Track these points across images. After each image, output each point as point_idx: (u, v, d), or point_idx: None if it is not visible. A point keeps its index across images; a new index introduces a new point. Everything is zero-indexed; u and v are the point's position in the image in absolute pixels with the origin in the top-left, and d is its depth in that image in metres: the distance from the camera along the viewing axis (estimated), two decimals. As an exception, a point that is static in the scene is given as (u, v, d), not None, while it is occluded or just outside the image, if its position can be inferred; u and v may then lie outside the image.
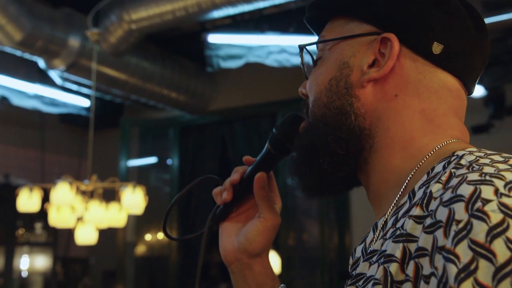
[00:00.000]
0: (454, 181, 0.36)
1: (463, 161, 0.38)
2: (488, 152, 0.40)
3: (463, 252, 0.31)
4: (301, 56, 0.53)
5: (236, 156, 3.62)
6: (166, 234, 0.61)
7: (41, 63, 3.01)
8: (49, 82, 3.45)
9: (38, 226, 3.87)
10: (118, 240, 3.82)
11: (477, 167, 0.36)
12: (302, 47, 0.53)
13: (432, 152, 0.43)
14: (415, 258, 0.35)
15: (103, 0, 2.77)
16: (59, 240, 3.95)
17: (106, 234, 3.11)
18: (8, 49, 2.80)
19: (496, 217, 0.32)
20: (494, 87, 2.73)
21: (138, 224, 3.89)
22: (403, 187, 0.43)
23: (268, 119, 3.62)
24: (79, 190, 2.40)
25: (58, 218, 2.43)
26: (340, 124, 0.46)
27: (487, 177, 0.34)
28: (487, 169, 0.35)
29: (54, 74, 3.13)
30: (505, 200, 0.32)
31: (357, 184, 0.50)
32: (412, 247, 0.36)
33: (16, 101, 3.61)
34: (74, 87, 3.38)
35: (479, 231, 0.32)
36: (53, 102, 3.75)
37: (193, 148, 3.90)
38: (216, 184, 0.60)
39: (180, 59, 3.57)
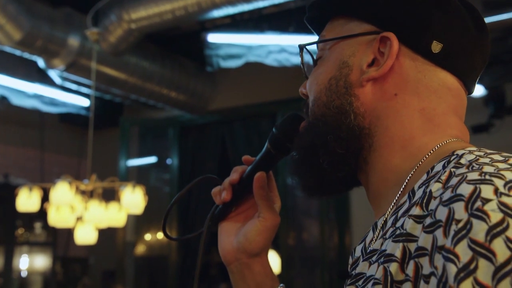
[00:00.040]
0: (454, 181, 0.36)
1: (463, 160, 0.38)
2: (488, 151, 0.40)
3: (463, 251, 0.31)
4: (301, 56, 0.53)
5: (236, 156, 3.62)
6: (165, 234, 0.61)
7: (41, 62, 3.01)
8: (49, 82, 3.45)
9: (38, 225, 3.87)
10: (118, 240, 3.82)
11: (477, 166, 0.36)
12: (302, 47, 0.53)
13: (431, 151, 0.43)
14: (415, 258, 0.35)
15: (103, 0, 2.77)
16: (59, 240, 3.95)
17: (106, 234, 3.11)
18: (8, 49, 2.80)
19: (496, 216, 0.32)
20: (494, 86, 2.73)
21: (138, 224, 3.89)
22: (403, 186, 0.43)
23: (268, 119, 3.62)
24: (79, 190, 2.40)
25: (57, 217, 2.43)
26: (340, 123, 0.46)
27: (487, 177, 0.34)
28: (487, 169, 0.35)
29: (53, 74, 3.13)
30: (505, 199, 0.32)
31: (357, 184, 0.50)
32: (412, 246, 0.36)
33: (16, 100, 3.61)
34: (73, 86, 3.38)
35: (479, 230, 0.32)
36: (52, 102, 3.75)
37: (193, 147, 3.90)
38: (215, 184, 0.60)
39: (179, 58, 3.57)
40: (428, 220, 0.36)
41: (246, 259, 0.56)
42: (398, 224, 0.40)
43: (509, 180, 0.34)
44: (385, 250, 0.39)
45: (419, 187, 0.40)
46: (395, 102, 0.45)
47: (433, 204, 0.36)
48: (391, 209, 0.43)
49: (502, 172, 0.34)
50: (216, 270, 4.12)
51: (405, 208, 0.40)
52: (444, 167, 0.39)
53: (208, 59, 3.31)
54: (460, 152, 0.40)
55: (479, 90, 2.75)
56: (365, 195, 0.49)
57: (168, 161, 3.98)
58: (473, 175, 0.35)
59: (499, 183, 0.33)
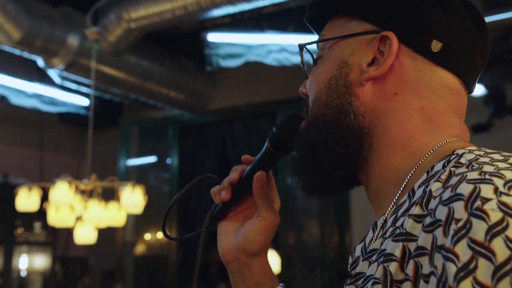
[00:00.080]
0: (454, 180, 0.36)
1: (462, 160, 0.38)
2: (488, 150, 0.39)
3: (463, 251, 0.31)
4: (301, 55, 0.53)
5: (236, 155, 3.62)
6: (165, 233, 0.61)
7: (40, 62, 3.01)
8: (48, 81, 3.45)
9: (37, 225, 3.87)
10: (118, 239, 3.82)
11: (477, 165, 0.36)
12: (302, 46, 0.53)
13: (431, 151, 0.43)
14: (415, 257, 0.35)
15: (102, -1, 2.77)
16: (58, 240, 3.94)
17: (105, 234, 3.11)
18: (7, 48, 2.80)
19: (495, 216, 0.32)
20: (494, 86, 2.73)
21: (138, 223, 3.89)
22: (403, 186, 0.43)
23: (268, 118, 3.62)
24: (78, 190, 2.40)
25: (57, 217, 2.43)
26: (340, 123, 0.46)
27: (487, 176, 0.34)
28: (486, 168, 0.35)
29: (53, 73, 3.12)
30: (504, 199, 0.32)
31: (357, 183, 0.50)
32: (412, 246, 0.36)
33: (15, 100, 3.60)
34: (73, 86, 3.38)
35: (479, 230, 0.31)
36: (52, 101, 3.75)
37: (193, 147, 3.90)
38: (215, 183, 0.60)
39: (179, 58, 3.56)
40: (428, 220, 0.36)
41: (246, 258, 0.56)
42: (398, 223, 0.39)
43: (509, 179, 0.34)
44: (385, 250, 0.39)
45: (419, 187, 0.40)
46: (395, 101, 0.45)
47: (433, 204, 0.36)
48: (391, 209, 0.43)
49: (502, 172, 0.34)
50: (215, 269, 4.12)
51: (405, 207, 0.40)
52: (444, 166, 0.39)
53: (208, 59, 3.30)
54: (460, 151, 0.40)
55: (479, 90, 2.75)
56: (365, 195, 0.49)
57: (168, 160, 3.98)
58: (473, 175, 0.35)
59: (499, 182, 0.33)
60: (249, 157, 0.59)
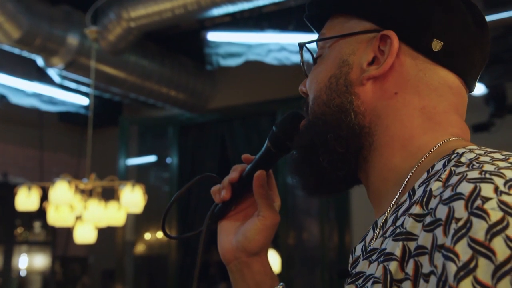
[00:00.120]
0: (454, 179, 0.35)
1: (463, 159, 0.38)
2: (489, 150, 0.39)
3: (463, 250, 0.31)
4: (301, 54, 0.53)
5: (236, 155, 3.62)
6: (165, 233, 0.61)
7: (40, 61, 3.01)
8: (48, 80, 3.44)
9: (37, 225, 3.87)
10: (117, 239, 3.82)
11: (477, 165, 0.36)
12: (302, 45, 0.53)
13: (432, 150, 0.43)
14: (415, 257, 0.35)
15: (102, -2, 2.77)
16: (58, 239, 3.94)
17: (105, 233, 3.11)
18: (6, 47, 2.79)
19: (495, 215, 0.32)
20: (495, 85, 2.72)
21: (137, 223, 3.89)
22: (403, 185, 0.43)
23: (268, 118, 3.62)
24: (78, 189, 2.40)
25: (57, 217, 2.43)
26: (340, 122, 0.46)
27: (487, 175, 0.34)
28: (487, 167, 0.35)
29: (52, 72, 3.12)
30: (505, 198, 0.32)
31: (357, 182, 0.50)
32: (412, 245, 0.36)
33: (15, 99, 3.60)
34: (72, 85, 3.38)
35: (479, 229, 0.31)
36: (51, 101, 3.75)
37: (193, 146, 3.90)
38: (215, 183, 0.60)
39: (179, 57, 3.56)
40: (428, 219, 0.36)
41: (246, 258, 0.56)
42: (398, 223, 0.39)
43: (509, 178, 0.34)
44: (385, 249, 0.39)
45: (419, 186, 0.40)
46: (395, 101, 0.45)
47: (433, 203, 0.36)
48: (391, 208, 0.43)
49: (502, 171, 0.34)
50: (215, 269, 4.12)
51: (405, 207, 0.40)
52: (444, 165, 0.39)
53: (207, 58, 3.30)
54: (460, 150, 0.40)
55: (479, 89, 2.75)
56: (365, 194, 0.49)
57: (168, 160, 3.98)
58: (473, 174, 0.35)
59: (499, 181, 0.33)
60: (249, 156, 0.59)
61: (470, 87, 0.49)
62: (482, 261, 0.31)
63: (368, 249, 0.43)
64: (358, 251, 0.45)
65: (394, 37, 0.45)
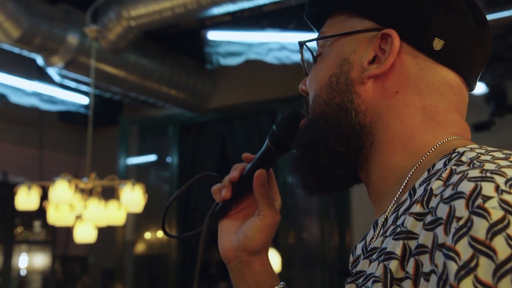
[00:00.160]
0: (455, 178, 0.35)
1: (464, 158, 0.38)
2: (490, 149, 0.39)
3: (464, 249, 0.31)
4: (301, 53, 0.53)
5: (236, 154, 3.62)
6: (165, 232, 0.61)
7: (39, 60, 3.01)
8: (48, 80, 3.44)
9: (37, 224, 3.87)
10: (117, 238, 3.83)
11: (478, 163, 0.36)
12: (302, 44, 0.52)
13: (432, 149, 0.43)
14: (415, 256, 0.35)
15: (102, -3, 2.77)
16: (58, 239, 3.95)
17: (105, 233, 3.11)
18: (6, 46, 2.79)
19: (496, 214, 0.31)
20: (495, 84, 2.72)
21: (137, 222, 3.89)
22: (404, 184, 0.43)
23: (268, 117, 3.62)
24: (78, 188, 2.40)
25: (57, 216, 2.43)
26: (341, 121, 0.46)
27: (488, 174, 0.34)
28: (488, 166, 0.35)
29: (52, 72, 3.12)
30: (505, 197, 0.32)
31: (357, 181, 0.50)
32: (412, 244, 0.36)
33: (14, 98, 3.60)
34: (72, 84, 3.38)
35: (480, 228, 0.31)
36: (51, 100, 3.74)
37: (193, 145, 3.90)
38: (215, 182, 0.60)
39: (179, 56, 3.56)
40: (428, 218, 0.35)
41: (246, 257, 0.56)
42: (399, 222, 0.39)
43: (510, 177, 0.33)
44: (385, 248, 0.39)
45: (420, 185, 0.40)
46: (396, 99, 0.45)
47: (433, 202, 0.36)
48: (392, 207, 0.43)
49: (503, 170, 0.34)
50: (216, 268, 4.13)
51: (406, 206, 0.40)
52: (445, 164, 0.39)
53: (208, 57, 3.30)
54: (461, 149, 0.40)
55: (480, 88, 2.75)
56: (365, 194, 0.49)
57: (168, 159, 3.98)
58: (474, 173, 0.35)
59: (500, 180, 0.33)
60: (250, 155, 0.59)
61: (470, 86, 0.49)
62: (483, 260, 0.31)
63: (369, 248, 0.43)
64: (358, 250, 0.45)
65: (395, 36, 0.45)
